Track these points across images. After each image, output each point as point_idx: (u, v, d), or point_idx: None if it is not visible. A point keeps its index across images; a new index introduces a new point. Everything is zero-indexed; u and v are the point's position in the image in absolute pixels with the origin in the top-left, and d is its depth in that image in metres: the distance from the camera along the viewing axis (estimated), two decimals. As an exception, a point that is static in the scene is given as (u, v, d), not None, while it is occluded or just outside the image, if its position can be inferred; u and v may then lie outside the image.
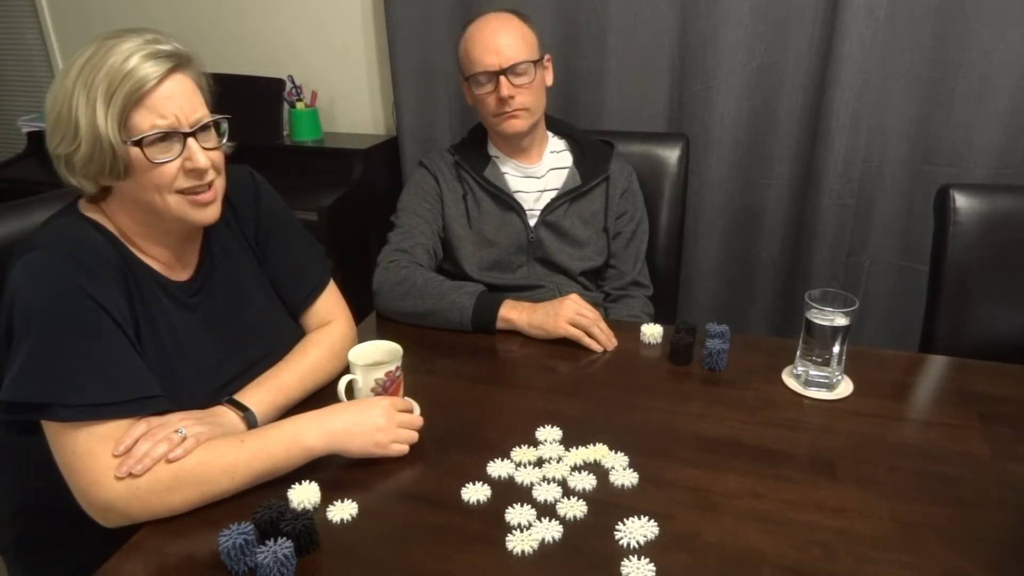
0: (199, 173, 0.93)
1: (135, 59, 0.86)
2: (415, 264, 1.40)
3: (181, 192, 0.93)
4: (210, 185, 0.95)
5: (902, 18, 1.80)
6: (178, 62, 0.90)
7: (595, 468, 0.96)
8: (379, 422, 0.95)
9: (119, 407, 0.86)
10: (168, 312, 0.98)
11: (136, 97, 0.87)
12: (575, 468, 0.96)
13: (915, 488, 0.92)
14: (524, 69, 1.41)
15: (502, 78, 1.40)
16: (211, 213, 0.97)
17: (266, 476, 0.90)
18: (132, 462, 0.84)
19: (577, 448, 0.99)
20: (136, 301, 0.94)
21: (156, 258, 0.99)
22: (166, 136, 0.89)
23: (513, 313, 1.30)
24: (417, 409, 1.07)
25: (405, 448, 0.97)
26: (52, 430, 0.85)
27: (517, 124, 1.44)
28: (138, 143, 0.88)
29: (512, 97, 1.40)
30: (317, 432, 0.93)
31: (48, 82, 2.88)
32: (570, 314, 1.27)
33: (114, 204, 0.96)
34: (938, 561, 0.80)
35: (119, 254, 0.94)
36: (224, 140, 0.98)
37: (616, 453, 0.98)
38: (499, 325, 1.31)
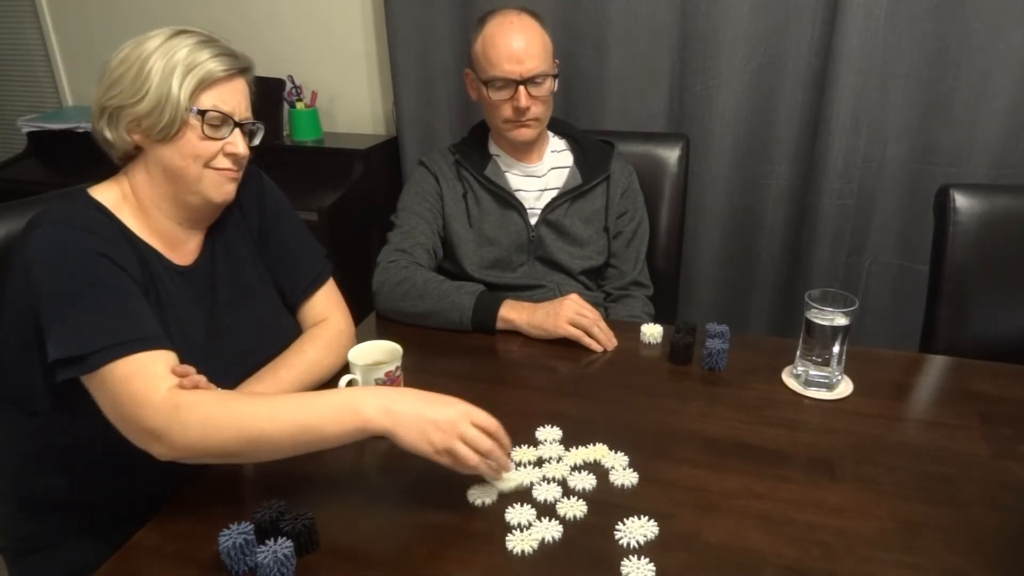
0: (235, 159, 1.02)
1: (211, 49, 0.98)
2: (415, 264, 1.40)
3: (213, 168, 1.01)
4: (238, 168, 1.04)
5: (902, 18, 1.81)
6: (245, 66, 1.02)
7: (595, 468, 0.96)
8: (441, 420, 0.84)
9: (149, 340, 0.89)
10: (168, 291, 1.01)
11: (211, 80, 0.97)
12: (575, 468, 0.96)
13: (915, 488, 0.92)
14: (542, 80, 1.41)
15: (521, 88, 1.39)
16: (229, 190, 1.05)
17: (308, 434, 0.84)
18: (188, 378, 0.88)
19: (577, 448, 0.99)
20: (144, 272, 0.98)
21: (161, 237, 1.03)
22: (223, 120, 1.00)
23: (513, 313, 1.30)
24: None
25: (465, 460, 0.84)
26: (95, 380, 0.87)
27: (527, 133, 1.45)
28: (201, 114, 0.97)
29: (528, 108, 1.40)
30: (377, 406, 0.84)
31: (48, 82, 2.89)
32: (570, 314, 1.27)
33: (138, 169, 1.01)
34: (938, 561, 0.80)
35: (123, 235, 0.98)
36: (255, 142, 1.07)
37: (616, 453, 0.98)
38: (499, 325, 1.31)
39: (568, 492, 0.91)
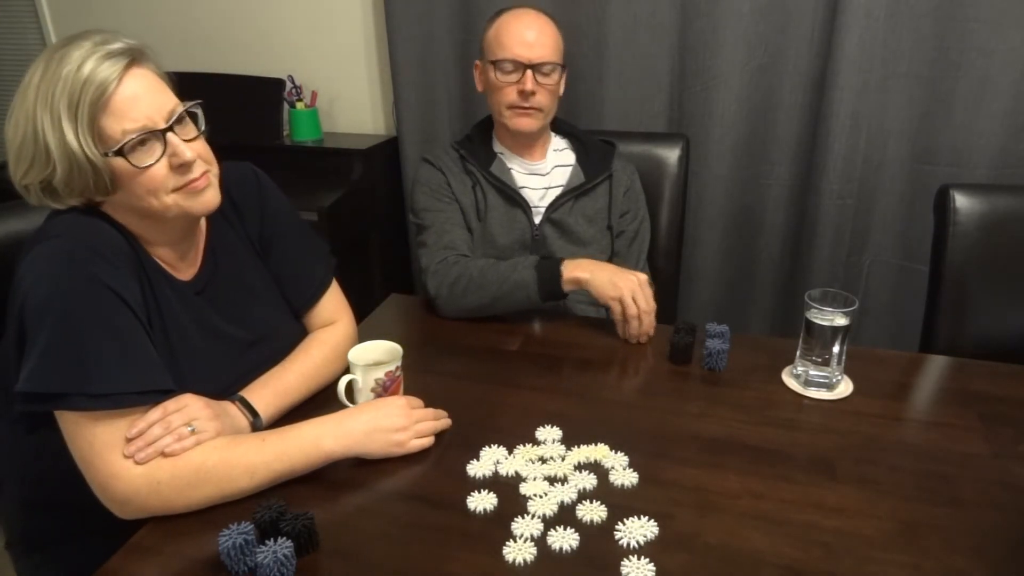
0: (187, 166, 0.90)
1: (90, 64, 0.83)
2: (462, 256, 1.39)
3: (176, 190, 0.91)
4: (203, 174, 0.93)
5: (902, 18, 1.81)
6: (132, 57, 0.86)
7: (595, 468, 0.96)
8: (397, 422, 0.96)
9: (140, 397, 0.85)
10: (176, 310, 0.97)
11: (101, 104, 0.83)
12: (576, 467, 0.96)
13: (915, 488, 0.92)
14: (550, 70, 1.43)
15: (528, 72, 1.41)
16: (210, 198, 0.94)
17: (285, 477, 0.91)
18: (141, 444, 0.84)
19: (579, 447, 0.99)
20: (147, 295, 0.93)
21: (162, 257, 0.99)
22: (144, 139, 0.86)
23: (577, 272, 1.29)
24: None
25: (426, 442, 0.99)
26: (69, 421, 0.84)
27: (529, 123, 1.46)
28: (119, 152, 0.85)
29: (533, 93, 1.42)
30: (336, 437, 0.93)
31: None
32: (624, 293, 1.25)
33: (110, 210, 0.93)
34: (938, 561, 0.80)
35: (131, 247, 0.93)
36: (202, 127, 0.95)
37: (616, 453, 0.98)
38: (567, 288, 1.30)
39: (563, 518, 0.88)
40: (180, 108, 0.90)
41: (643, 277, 1.28)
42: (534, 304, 1.31)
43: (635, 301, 1.25)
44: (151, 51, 0.91)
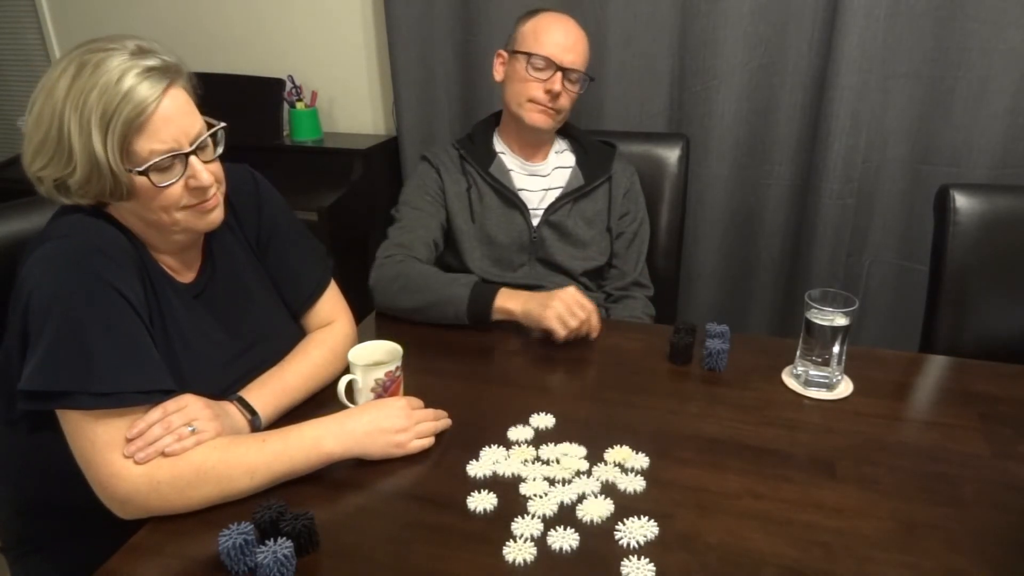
0: (203, 190, 0.93)
1: (130, 79, 0.83)
2: (411, 258, 1.39)
3: (186, 208, 0.93)
4: (213, 195, 0.96)
5: (902, 18, 1.81)
6: (172, 78, 0.88)
7: (595, 468, 0.95)
8: (397, 423, 0.96)
9: (142, 396, 0.86)
10: (177, 312, 0.98)
11: (136, 124, 0.84)
12: (576, 468, 0.95)
13: (915, 488, 0.92)
14: (578, 79, 1.46)
15: (559, 73, 1.42)
16: (215, 217, 0.98)
17: (285, 478, 0.91)
18: (141, 444, 0.84)
19: (579, 447, 0.99)
20: (150, 295, 0.94)
21: (164, 261, 0.99)
22: (171, 160, 0.89)
23: (510, 303, 1.28)
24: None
25: (427, 443, 0.99)
26: (71, 420, 0.84)
27: (545, 120, 1.47)
28: (143, 171, 0.86)
29: (558, 95, 1.43)
30: (336, 438, 0.93)
31: (48, 82, 2.88)
32: (560, 311, 1.23)
33: (115, 213, 0.94)
34: (938, 561, 0.80)
35: (134, 249, 0.94)
36: (220, 149, 0.97)
37: (638, 454, 0.97)
38: (495, 316, 1.28)
39: (563, 518, 0.88)
40: (205, 133, 0.92)
41: (570, 290, 1.25)
42: (460, 321, 1.30)
43: (570, 325, 1.22)
44: (185, 67, 0.92)
